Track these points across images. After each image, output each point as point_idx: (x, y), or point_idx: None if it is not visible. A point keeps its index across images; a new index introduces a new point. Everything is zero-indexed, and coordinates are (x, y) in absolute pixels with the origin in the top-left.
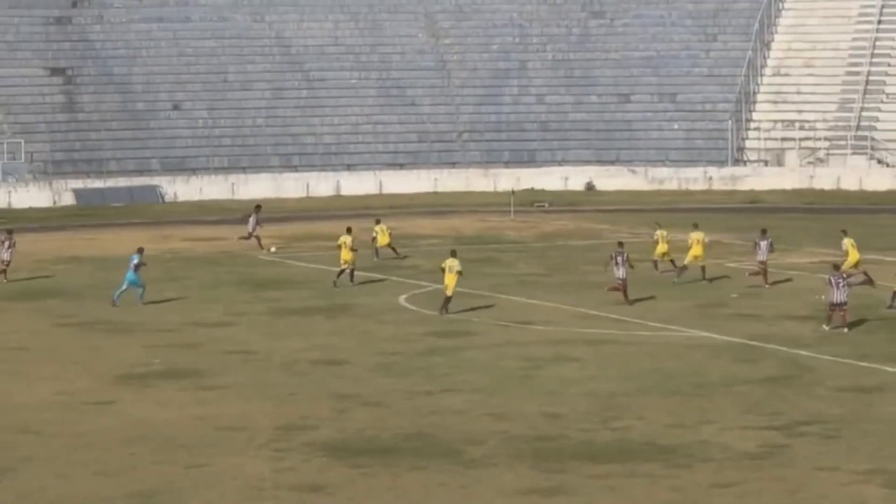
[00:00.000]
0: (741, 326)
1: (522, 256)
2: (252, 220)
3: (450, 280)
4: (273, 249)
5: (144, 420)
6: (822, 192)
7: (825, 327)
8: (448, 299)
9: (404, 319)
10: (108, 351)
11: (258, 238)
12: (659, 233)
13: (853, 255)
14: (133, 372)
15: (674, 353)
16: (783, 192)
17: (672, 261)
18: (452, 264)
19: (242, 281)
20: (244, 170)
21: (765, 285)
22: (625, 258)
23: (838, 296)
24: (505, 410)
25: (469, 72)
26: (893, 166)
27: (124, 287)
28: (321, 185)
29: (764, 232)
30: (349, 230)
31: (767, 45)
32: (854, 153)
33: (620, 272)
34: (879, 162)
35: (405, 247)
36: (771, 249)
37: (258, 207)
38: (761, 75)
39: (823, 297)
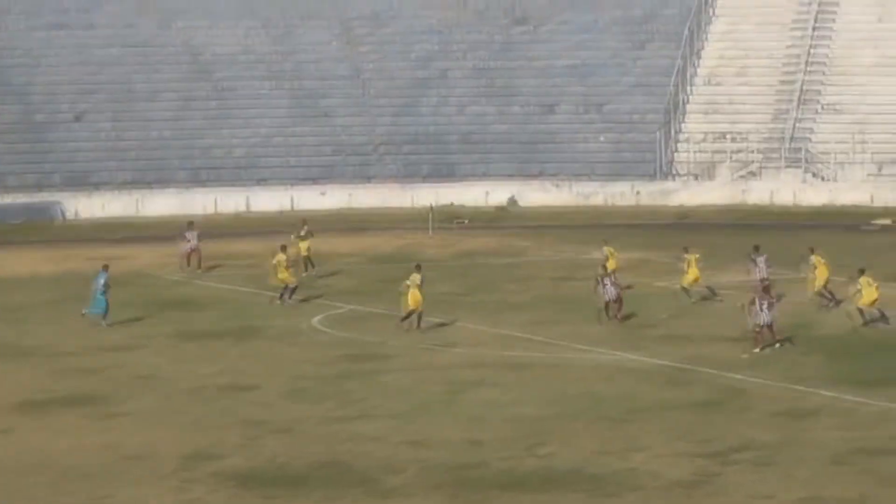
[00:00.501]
0: (672, 349)
1: (442, 275)
2: (190, 235)
3: (414, 295)
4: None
5: (44, 449)
6: (754, 206)
7: (756, 350)
8: (412, 312)
9: (318, 342)
10: (6, 376)
11: (189, 256)
12: (607, 249)
13: (822, 273)
14: (32, 398)
15: (602, 376)
16: (714, 206)
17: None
18: (416, 279)
19: (148, 302)
20: (150, 185)
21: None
22: (613, 279)
23: (764, 318)
24: (424, 437)
25: (386, 81)
26: (829, 180)
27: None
28: (230, 200)
29: (757, 248)
30: (283, 248)
31: (698, 53)
32: (788, 166)
33: (609, 293)
34: (814, 175)
35: (319, 264)
36: (769, 265)
37: (191, 224)
38: (692, 84)
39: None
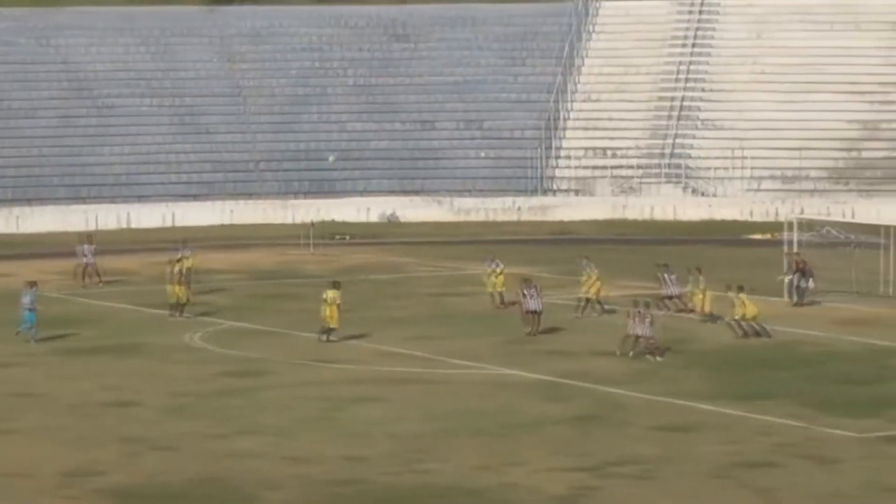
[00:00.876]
0: (550, 363)
1: (322, 292)
2: (87, 250)
3: (331, 311)
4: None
5: None
6: (634, 222)
7: (630, 354)
8: (330, 330)
9: (198, 359)
10: None
11: (84, 271)
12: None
13: (751, 308)
14: None
15: (481, 392)
16: (594, 222)
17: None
18: (334, 296)
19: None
20: (29, 202)
21: (693, 315)
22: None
23: (643, 330)
24: (304, 454)
25: (266, 98)
26: (708, 195)
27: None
28: (110, 217)
29: (666, 266)
30: (179, 261)
31: (577, 70)
32: (667, 182)
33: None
34: (693, 191)
35: (198, 282)
36: (676, 282)
37: (89, 237)
38: (571, 101)
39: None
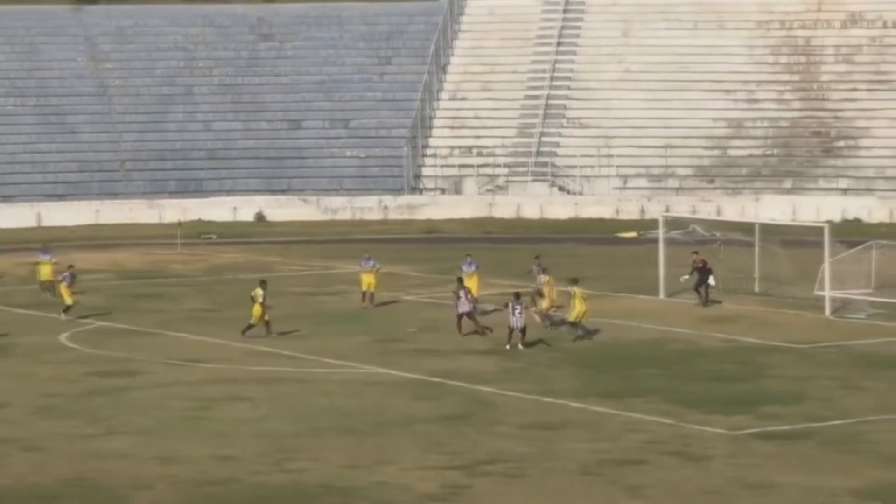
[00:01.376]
0: (420, 362)
1: (190, 291)
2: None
3: (257, 310)
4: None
5: None
6: (501, 220)
7: (507, 347)
8: (251, 326)
9: (66, 359)
10: None
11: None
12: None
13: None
14: None
15: (350, 390)
16: (462, 220)
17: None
18: (258, 293)
19: None
20: None
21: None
22: (522, 306)
23: (515, 322)
24: (173, 454)
25: (132, 97)
26: (575, 193)
27: None
28: None
29: (538, 258)
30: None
31: (444, 68)
32: (535, 180)
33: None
34: (560, 189)
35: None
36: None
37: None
38: (438, 99)
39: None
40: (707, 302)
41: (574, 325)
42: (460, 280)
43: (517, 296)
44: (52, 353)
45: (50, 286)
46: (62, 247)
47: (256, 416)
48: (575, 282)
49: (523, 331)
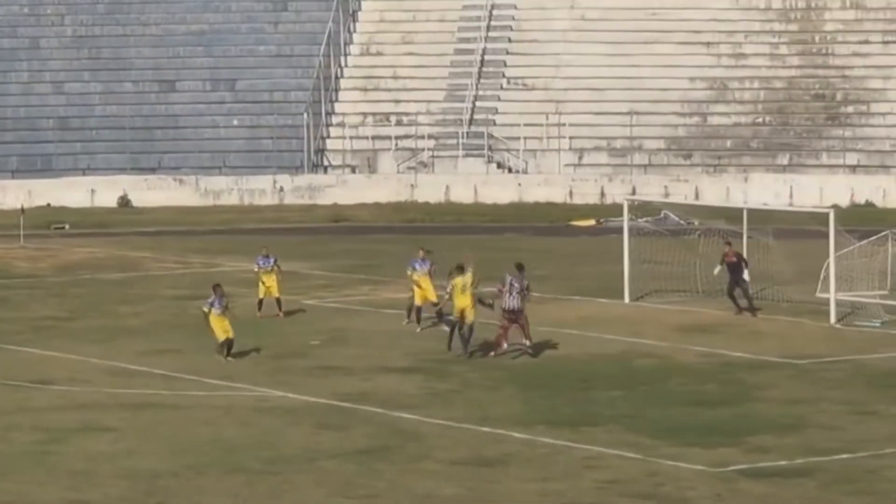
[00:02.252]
0: (325, 383)
1: (36, 295)
2: None
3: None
4: None
5: None
6: (426, 205)
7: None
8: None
9: None
10: None
11: None
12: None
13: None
14: None
15: (238, 418)
16: (377, 206)
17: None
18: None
19: None
20: None
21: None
22: (524, 286)
23: (511, 302)
24: (16, 497)
25: None
26: (518, 171)
27: None
28: None
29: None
30: None
31: (353, 16)
32: (467, 155)
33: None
34: (500, 166)
35: None
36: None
37: None
38: (346, 55)
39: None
40: (754, 307)
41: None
42: (521, 266)
43: (520, 267)
44: None
45: None
46: None
47: (121, 451)
48: (460, 270)
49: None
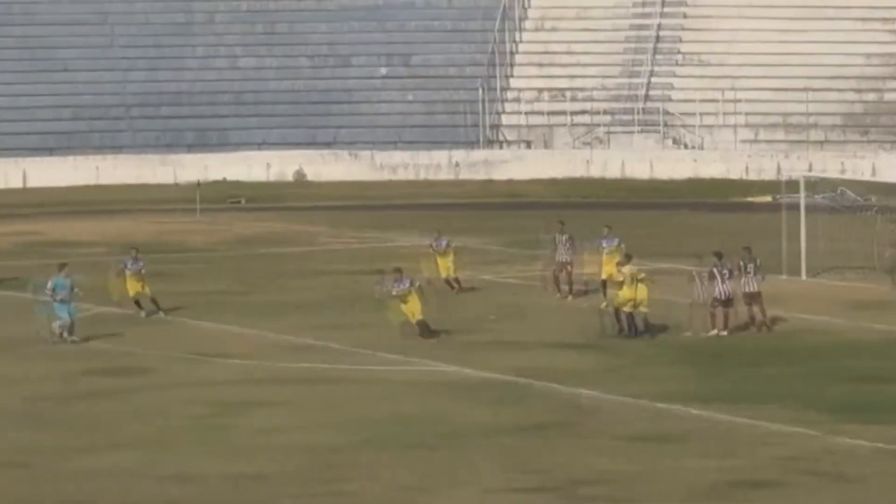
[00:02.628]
0: (502, 358)
1: (212, 269)
2: None
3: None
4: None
5: None
6: (600, 181)
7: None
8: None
9: (57, 353)
10: None
11: None
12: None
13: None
14: None
15: (413, 393)
16: (551, 181)
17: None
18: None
19: None
20: None
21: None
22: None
23: (724, 290)
24: (188, 471)
25: (138, 27)
26: (692, 148)
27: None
28: None
29: (562, 224)
30: None
31: None
32: (642, 131)
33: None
34: (675, 142)
35: (59, 257)
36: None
37: None
38: (521, 30)
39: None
40: None
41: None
42: (720, 253)
43: (719, 255)
44: (40, 345)
45: None
46: (52, 213)
47: (295, 425)
48: (628, 258)
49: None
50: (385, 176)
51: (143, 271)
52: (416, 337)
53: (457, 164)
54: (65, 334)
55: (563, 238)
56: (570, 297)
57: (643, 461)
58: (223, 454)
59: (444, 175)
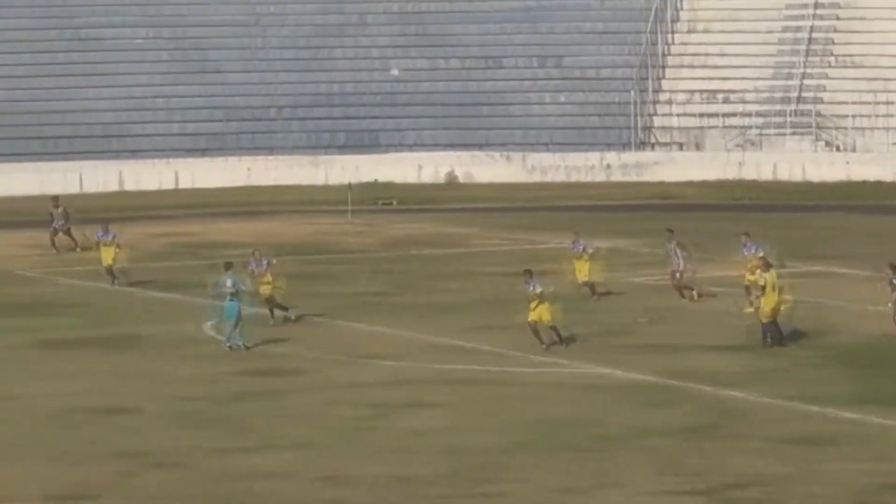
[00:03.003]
0: (652, 360)
1: (363, 270)
2: (55, 213)
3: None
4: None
5: None
6: (753, 183)
7: None
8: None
9: (209, 354)
10: None
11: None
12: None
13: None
14: None
15: (565, 395)
16: (703, 184)
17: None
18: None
19: None
20: None
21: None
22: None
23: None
24: (342, 472)
25: (291, 28)
26: (846, 150)
27: (230, 324)
28: (97, 176)
29: (671, 232)
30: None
31: None
32: (794, 133)
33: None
34: (828, 144)
35: (209, 258)
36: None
37: (55, 198)
38: (673, 32)
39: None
40: None
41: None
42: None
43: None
44: (192, 346)
45: (114, 273)
46: (203, 214)
47: (446, 427)
48: (767, 266)
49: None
50: (536, 178)
51: (268, 271)
52: (549, 341)
53: (608, 166)
54: (236, 341)
55: (672, 246)
56: (693, 298)
57: (793, 464)
58: (374, 456)
59: (596, 177)
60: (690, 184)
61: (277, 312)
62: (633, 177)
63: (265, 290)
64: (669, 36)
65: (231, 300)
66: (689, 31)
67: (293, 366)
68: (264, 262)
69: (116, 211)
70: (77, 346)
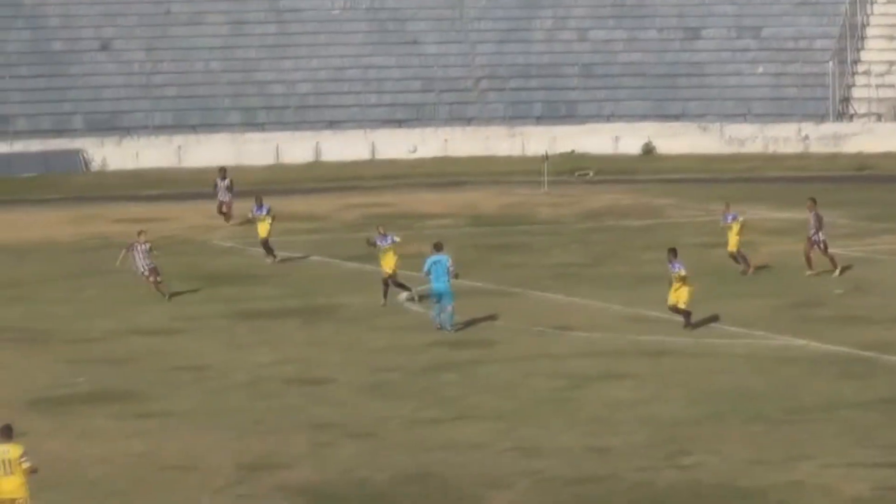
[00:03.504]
0: (847, 332)
1: (559, 241)
2: (222, 186)
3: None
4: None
5: (64, 457)
6: None
7: None
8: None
9: (405, 325)
10: (17, 368)
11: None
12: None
13: None
14: (49, 395)
15: (758, 367)
16: None
17: (735, 257)
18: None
19: (191, 275)
20: (194, 129)
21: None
22: None
23: None
24: (537, 444)
25: (488, 0)
26: None
27: (440, 304)
28: (295, 148)
29: (814, 201)
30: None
31: None
32: None
33: None
34: None
35: (405, 228)
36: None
37: (223, 170)
38: (872, 2)
39: None
40: None
41: None
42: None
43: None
44: (387, 317)
45: (271, 246)
46: (401, 185)
47: (641, 398)
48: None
49: None
50: (733, 149)
51: (392, 248)
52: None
53: (806, 137)
54: (442, 322)
55: (812, 215)
56: (834, 273)
57: None
58: (568, 427)
59: (793, 148)
60: (889, 155)
61: (400, 293)
62: (830, 148)
63: (388, 265)
64: (868, 6)
65: (442, 278)
66: (888, 2)
67: (489, 336)
68: (388, 239)
69: (311, 182)
70: (273, 316)
